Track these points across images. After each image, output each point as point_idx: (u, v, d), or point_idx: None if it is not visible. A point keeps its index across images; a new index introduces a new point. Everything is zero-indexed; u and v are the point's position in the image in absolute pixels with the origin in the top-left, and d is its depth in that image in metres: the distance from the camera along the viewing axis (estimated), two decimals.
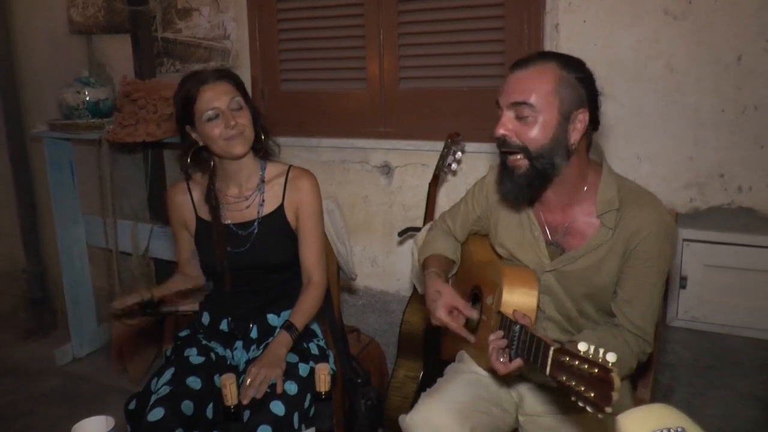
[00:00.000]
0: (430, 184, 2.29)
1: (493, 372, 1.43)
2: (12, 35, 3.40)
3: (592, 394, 1.00)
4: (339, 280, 2.19)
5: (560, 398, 1.50)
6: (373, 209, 2.65)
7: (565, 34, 2.15)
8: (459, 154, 2.27)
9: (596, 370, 1.00)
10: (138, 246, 3.02)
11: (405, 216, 2.58)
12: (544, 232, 1.51)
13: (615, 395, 0.97)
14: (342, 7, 2.56)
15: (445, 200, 2.44)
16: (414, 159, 2.51)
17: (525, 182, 1.40)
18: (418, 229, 2.23)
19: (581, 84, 1.36)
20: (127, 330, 2.88)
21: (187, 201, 1.87)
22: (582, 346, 1.04)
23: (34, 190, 3.54)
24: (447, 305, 1.50)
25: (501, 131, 1.39)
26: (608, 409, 0.98)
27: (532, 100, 1.34)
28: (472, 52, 2.36)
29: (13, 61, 3.42)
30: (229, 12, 2.78)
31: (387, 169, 2.58)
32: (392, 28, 2.46)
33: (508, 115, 1.38)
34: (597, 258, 1.42)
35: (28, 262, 3.59)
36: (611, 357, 1.00)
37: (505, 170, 1.43)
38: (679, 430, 0.85)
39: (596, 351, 1.03)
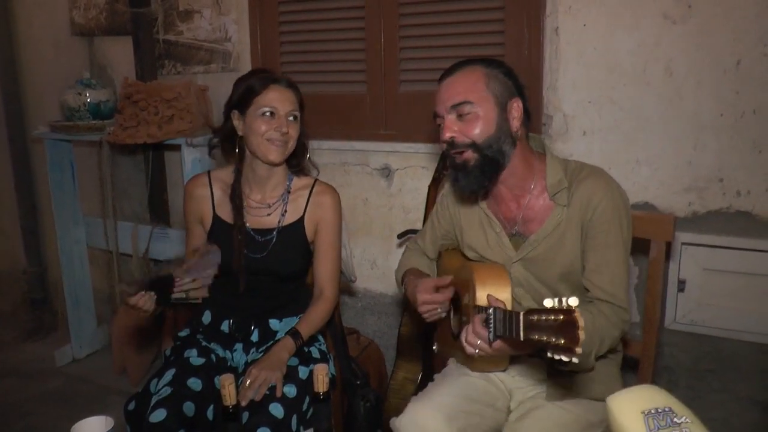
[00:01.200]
0: (429, 187, 2.29)
1: (482, 372, 1.53)
2: (14, 37, 3.41)
3: (562, 341, 1.03)
4: (339, 282, 2.19)
5: (548, 385, 1.52)
6: (373, 211, 2.65)
7: (564, 37, 2.15)
8: None
9: (561, 317, 1.04)
10: (138, 248, 3.02)
11: (405, 218, 2.58)
12: (504, 226, 1.58)
13: (581, 333, 1.00)
14: (343, 10, 2.56)
15: None
16: (414, 161, 2.52)
17: (478, 172, 1.48)
18: (417, 232, 2.23)
19: (508, 77, 1.49)
20: (132, 322, 2.87)
21: (206, 196, 1.87)
22: (547, 302, 1.07)
23: (34, 191, 3.55)
24: (427, 288, 1.57)
25: (448, 134, 1.48)
26: (578, 350, 1.00)
27: (470, 97, 1.45)
28: (472, 56, 2.36)
29: (15, 63, 3.43)
30: (231, 14, 2.78)
31: (387, 172, 2.59)
32: (393, 30, 2.46)
33: (450, 119, 1.48)
34: (557, 236, 1.49)
35: (29, 263, 3.60)
36: (573, 301, 1.04)
37: (457, 169, 1.51)
38: (666, 409, 0.88)
39: (560, 301, 1.06)
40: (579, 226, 1.47)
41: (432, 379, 1.69)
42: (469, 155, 1.48)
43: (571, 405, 1.49)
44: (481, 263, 1.59)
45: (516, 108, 1.48)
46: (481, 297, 1.42)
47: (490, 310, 1.30)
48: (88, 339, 3.28)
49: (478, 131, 1.46)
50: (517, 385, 1.60)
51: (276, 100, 1.75)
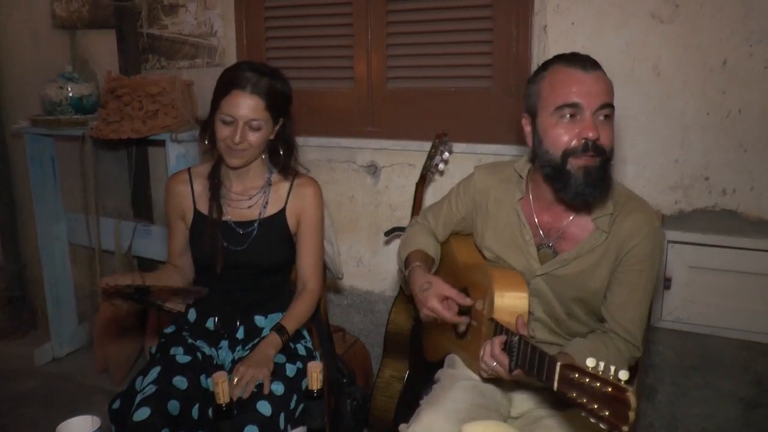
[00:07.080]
0: (416, 184, 2.29)
1: (486, 377, 1.43)
2: None
3: (607, 413, 0.97)
4: (325, 280, 2.18)
5: (548, 397, 1.49)
6: (360, 209, 2.64)
7: (553, 35, 2.16)
8: (446, 154, 2.27)
9: (610, 389, 0.97)
10: (121, 244, 2.98)
11: (391, 216, 2.57)
12: (537, 234, 1.50)
13: (632, 415, 0.94)
14: (330, 6, 2.55)
15: (431, 200, 2.43)
16: (401, 159, 2.51)
17: (600, 179, 1.35)
18: (404, 229, 2.22)
19: None
20: (111, 313, 2.84)
21: (187, 192, 1.85)
22: (590, 362, 1.01)
23: (14, 186, 3.48)
24: (439, 294, 1.48)
25: (593, 134, 1.32)
26: (625, 428, 0.94)
27: (613, 102, 1.37)
28: (460, 53, 2.36)
29: None
30: (216, 9, 2.75)
31: (374, 169, 2.58)
32: (381, 27, 2.45)
33: (597, 118, 1.34)
34: (591, 261, 1.43)
35: (6, 259, 3.53)
36: (623, 375, 0.97)
37: (578, 175, 1.35)
38: None
39: (606, 368, 1.00)
40: (614, 256, 1.41)
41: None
42: (596, 163, 1.34)
43: (575, 412, 1.47)
44: (499, 268, 1.51)
45: None
46: (499, 308, 1.38)
47: (515, 338, 1.25)
48: (69, 337, 3.22)
49: (611, 138, 1.36)
50: (518, 390, 1.55)
51: (235, 106, 1.67)
